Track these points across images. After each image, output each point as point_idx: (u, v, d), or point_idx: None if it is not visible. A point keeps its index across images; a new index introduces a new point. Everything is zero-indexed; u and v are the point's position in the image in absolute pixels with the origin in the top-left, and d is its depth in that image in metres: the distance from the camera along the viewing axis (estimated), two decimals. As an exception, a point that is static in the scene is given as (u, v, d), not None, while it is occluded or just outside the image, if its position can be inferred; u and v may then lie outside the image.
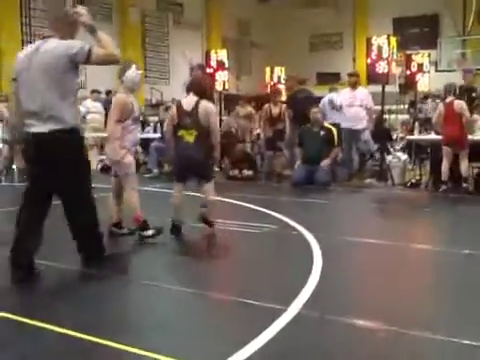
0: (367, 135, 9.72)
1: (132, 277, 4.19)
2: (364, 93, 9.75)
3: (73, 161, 4.01)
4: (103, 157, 11.47)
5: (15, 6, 15.94)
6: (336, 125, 9.24)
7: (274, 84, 14.29)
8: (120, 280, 4.12)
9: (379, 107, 9.98)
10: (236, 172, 9.89)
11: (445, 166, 8.15)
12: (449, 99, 8.18)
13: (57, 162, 3.95)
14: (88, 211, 4.23)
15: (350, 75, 10.14)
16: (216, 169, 10.64)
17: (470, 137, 8.23)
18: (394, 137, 10.36)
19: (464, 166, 8.09)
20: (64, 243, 5.19)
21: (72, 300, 3.66)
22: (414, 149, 9.67)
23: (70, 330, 3.03)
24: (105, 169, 11.04)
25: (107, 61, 4.12)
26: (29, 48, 4.15)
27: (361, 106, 9.56)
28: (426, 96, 13.02)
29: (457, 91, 8.31)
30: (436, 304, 3.67)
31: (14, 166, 11.33)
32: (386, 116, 12.04)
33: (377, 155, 9.80)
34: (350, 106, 9.55)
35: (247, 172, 9.81)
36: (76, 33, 4.30)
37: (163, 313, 3.42)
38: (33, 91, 3.92)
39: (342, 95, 10.05)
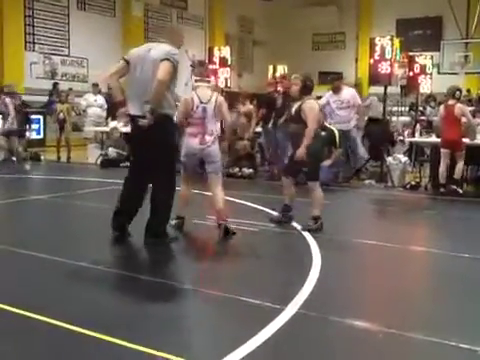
0: (355, 133, 9.65)
1: (131, 273, 4.19)
2: (350, 93, 9.68)
3: (161, 142, 4.77)
4: (103, 152, 11.48)
5: (19, 8, 15.92)
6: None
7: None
8: (120, 276, 4.13)
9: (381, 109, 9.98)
10: (236, 170, 9.85)
11: (443, 168, 8.17)
12: (451, 102, 8.18)
13: (151, 141, 4.71)
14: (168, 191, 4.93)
15: (333, 80, 10.00)
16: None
17: (470, 141, 8.21)
18: (396, 139, 10.33)
19: (458, 169, 8.13)
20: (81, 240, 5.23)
21: (67, 293, 3.67)
22: (414, 151, 9.67)
23: (65, 323, 3.04)
24: (105, 164, 11.07)
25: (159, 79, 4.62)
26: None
27: (348, 107, 9.50)
28: (429, 99, 12.99)
29: (462, 94, 8.28)
30: (434, 306, 3.69)
31: (13, 158, 11.34)
32: (388, 117, 12.01)
33: (366, 156, 9.75)
34: (338, 109, 9.51)
35: (247, 170, 9.78)
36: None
37: (161, 310, 3.42)
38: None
39: (328, 99, 9.92)
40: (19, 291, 3.70)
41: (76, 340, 2.94)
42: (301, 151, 5.48)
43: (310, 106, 5.61)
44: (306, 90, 5.72)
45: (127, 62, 4.89)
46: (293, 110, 5.77)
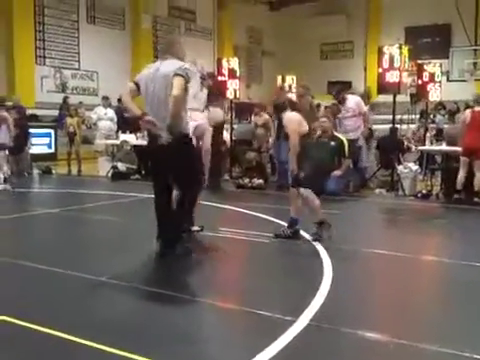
0: (360, 142, 9.63)
1: (141, 286, 4.20)
2: (354, 102, 9.68)
3: (178, 160, 4.89)
4: (114, 164, 11.52)
5: (29, 23, 16.12)
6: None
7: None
8: (130, 288, 4.14)
9: (390, 116, 9.96)
10: (246, 181, 9.86)
11: (461, 175, 8.01)
12: (478, 109, 8.08)
13: (169, 159, 4.88)
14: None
15: (337, 93, 9.96)
16: (226, 178, 10.69)
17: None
18: (405, 147, 10.31)
19: (477, 179, 7.94)
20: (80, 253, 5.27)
21: (83, 306, 3.69)
22: (425, 159, 9.63)
23: (74, 337, 3.06)
24: (116, 177, 11.13)
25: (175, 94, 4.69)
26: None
27: (354, 116, 9.50)
28: (439, 106, 12.91)
29: None
30: (446, 317, 3.66)
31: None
32: (398, 126, 11.98)
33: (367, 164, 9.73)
34: (344, 118, 9.50)
35: (257, 181, 9.78)
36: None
37: (172, 323, 3.43)
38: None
39: None
40: (29, 304, 3.72)
41: (86, 354, 2.95)
42: (292, 166, 5.57)
43: (288, 118, 5.69)
44: (283, 107, 5.81)
45: (136, 84, 5.02)
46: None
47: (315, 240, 5.44)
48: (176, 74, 4.70)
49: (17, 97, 13.04)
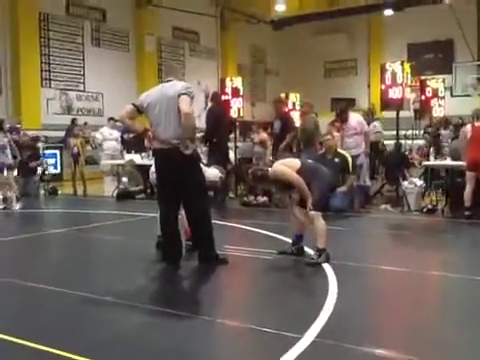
0: (361, 159, 9.64)
1: (145, 305, 4.19)
2: (357, 120, 9.72)
3: (188, 174, 5.10)
4: (121, 186, 11.56)
5: (35, 46, 16.31)
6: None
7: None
8: (129, 306, 4.13)
9: (394, 132, 9.98)
10: (251, 198, 9.88)
11: (468, 191, 7.95)
12: (478, 123, 8.08)
13: (179, 172, 5.07)
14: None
15: (341, 112, 10.00)
16: (231, 196, 10.71)
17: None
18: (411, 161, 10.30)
19: None
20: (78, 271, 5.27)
21: (86, 326, 3.69)
22: (430, 174, 9.61)
23: (75, 355, 3.05)
24: (121, 196, 11.16)
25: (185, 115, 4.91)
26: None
27: (356, 134, 9.54)
28: (443, 122, 12.91)
29: None
30: (453, 333, 3.61)
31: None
32: (402, 141, 12.01)
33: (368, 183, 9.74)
34: (345, 136, 9.54)
35: (262, 198, 9.79)
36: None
37: (177, 341, 3.41)
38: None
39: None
40: (35, 325, 3.72)
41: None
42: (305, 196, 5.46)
43: (277, 173, 5.48)
44: (263, 177, 5.68)
45: (135, 106, 5.20)
46: None
47: (309, 265, 5.32)
48: (182, 93, 4.95)
49: (16, 119, 13.28)
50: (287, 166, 5.52)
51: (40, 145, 13.24)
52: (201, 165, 5.54)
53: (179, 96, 4.94)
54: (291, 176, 5.38)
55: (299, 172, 5.39)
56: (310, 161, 5.69)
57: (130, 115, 5.24)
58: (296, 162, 5.57)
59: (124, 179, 11.57)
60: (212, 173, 5.93)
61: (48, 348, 3.21)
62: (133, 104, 5.24)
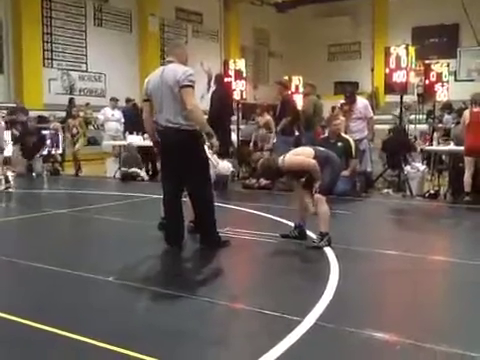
0: (364, 145, 9.61)
1: (146, 286, 4.20)
2: (363, 104, 9.70)
3: (191, 153, 5.08)
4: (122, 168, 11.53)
5: (37, 26, 16.19)
6: None
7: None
8: (131, 287, 4.15)
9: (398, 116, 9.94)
10: (253, 181, 9.85)
11: (467, 176, 7.98)
12: (476, 109, 8.05)
13: (183, 152, 5.06)
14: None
15: (349, 95, 9.97)
16: (234, 178, 10.70)
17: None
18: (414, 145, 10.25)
19: None
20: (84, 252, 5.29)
21: (90, 306, 3.70)
22: (433, 159, 9.57)
23: (80, 336, 3.07)
24: (124, 177, 11.15)
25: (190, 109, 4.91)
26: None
27: (360, 118, 9.51)
28: (446, 106, 12.83)
29: None
30: (453, 317, 3.63)
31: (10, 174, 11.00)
32: (406, 126, 11.95)
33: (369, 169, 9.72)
34: (350, 121, 9.50)
35: (264, 181, 9.76)
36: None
37: (178, 323, 3.42)
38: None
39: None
40: (41, 306, 3.74)
41: (92, 352, 2.96)
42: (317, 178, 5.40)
43: (292, 164, 5.43)
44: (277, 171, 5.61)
45: (146, 100, 5.23)
46: None
47: (310, 247, 5.32)
48: (184, 85, 4.87)
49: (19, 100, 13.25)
50: (303, 155, 5.49)
51: (52, 125, 13.27)
52: (209, 155, 5.49)
53: (181, 88, 4.88)
54: (309, 164, 5.34)
55: (314, 158, 5.38)
56: (321, 149, 5.64)
57: (149, 112, 5.22)
58: (310, 150, 5.52)
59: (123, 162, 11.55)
60: (224, 167, 5.87)
61: (49, 327, 3.22)
62: (144, 99, 5.26)
